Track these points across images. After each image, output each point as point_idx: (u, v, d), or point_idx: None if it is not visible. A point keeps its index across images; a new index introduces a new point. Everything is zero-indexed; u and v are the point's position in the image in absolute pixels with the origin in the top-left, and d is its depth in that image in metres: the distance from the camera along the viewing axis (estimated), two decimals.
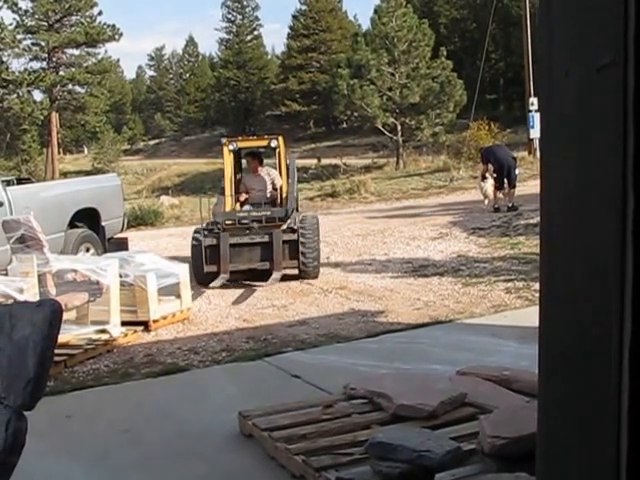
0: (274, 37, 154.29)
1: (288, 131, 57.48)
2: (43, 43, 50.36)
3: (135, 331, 8.16)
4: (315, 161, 40.37)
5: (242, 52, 70.88)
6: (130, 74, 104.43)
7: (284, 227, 10.67)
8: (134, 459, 4.74)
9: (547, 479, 1.98)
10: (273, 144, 11.39)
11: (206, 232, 10.68)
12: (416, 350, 6.87)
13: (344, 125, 58.11)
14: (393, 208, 20.46)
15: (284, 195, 11.38)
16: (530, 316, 7.63)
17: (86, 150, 70.74)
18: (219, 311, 9.32)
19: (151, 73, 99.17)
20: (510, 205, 16.50)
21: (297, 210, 12.39)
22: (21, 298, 6.52)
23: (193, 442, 4.92)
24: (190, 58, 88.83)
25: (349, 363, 6.58)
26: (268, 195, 11.63)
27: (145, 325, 8.37)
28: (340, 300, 9.45)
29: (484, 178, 17.29)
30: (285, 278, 10.60)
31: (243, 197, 11.62)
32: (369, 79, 34.64)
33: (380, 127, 35.92)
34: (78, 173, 43.34)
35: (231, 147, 11.52)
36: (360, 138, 50.12)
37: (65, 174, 48.14)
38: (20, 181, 12.38)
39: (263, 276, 10.42)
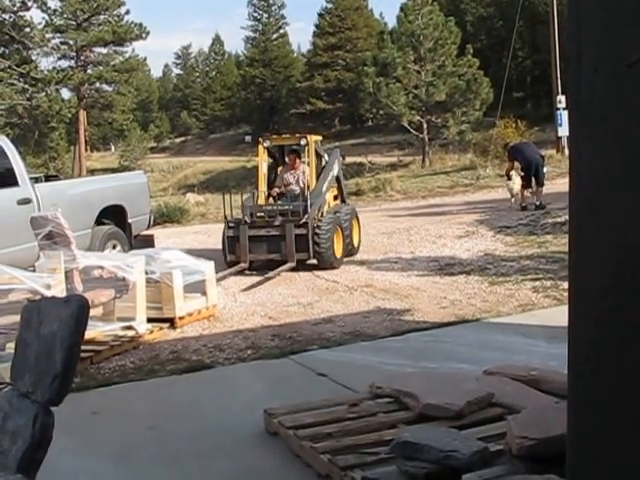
0: (300, 35, 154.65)
1: (313, 129, 57.44)
2: (71, 42, 50.64)
3: (161, 328, 8.17)
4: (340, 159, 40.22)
5: (268, 50, 71.02)
6: (157, 72, 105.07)
7: (303, 221, 11.23)
8: (159, 456, 4.74)
9: None
10: (302, 142, 12.42)
11: (231, 224, 11.61)
12: (442, 349, 6.83)
13: (369, 123, 58.06)
14: (419, 206, 20.40)
15: (310, 191, 11.88)
16: (558, 315, 7.55)
17: (113, 148, 71.20)
18: (245, 308, 9.32)
19: (178, 71, 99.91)
20: (538, 203, 16.38)
21: (344, 202, 13.48)
22: (48, 294, 6.53)
23: (218, 439, 4.92)
24: (216, 56, 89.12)
25: (375, 361, 6.54)
26: (299, 190, 12.19)
27: (171, 322, 8.38)
28: (366, 298, 9.42)
29: (509, 176, 17.19)
30: (310, 271, 11.21)
31: (275, 191, 12.30)
32: (395, 77, 34.55)
33: (406, 125, 35.83)
34: (105, 171, 43.56)
35: (265, 144, 12.51)
36: (385, 136, 50.00)
37: (92, 171, 48.40)
38: (48, 178, 12.45)
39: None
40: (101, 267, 7.64)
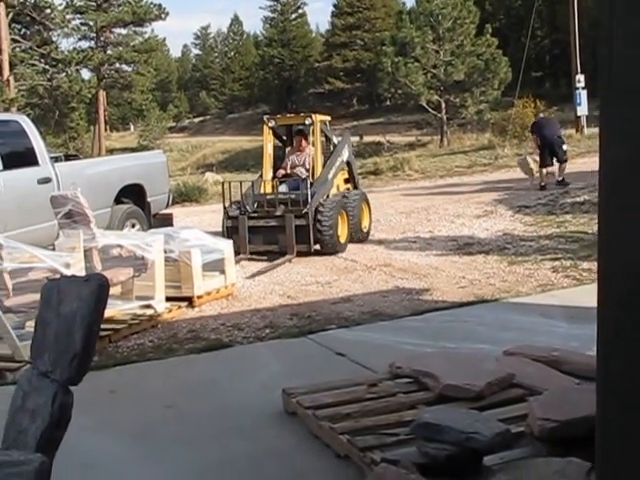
0: (318, 15, 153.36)
1: (331, 108, 57.29)
2: (91, 23, 50.73)
3: (179, 307, 8.17)
4: (357, 138, 40.11)
5: (286, 30, 70.86)
6: (176, 53, 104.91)
7: (304, 211, 10.89)
8: (176, 435, 4.73)
9: (607, 463, 1.91)
10: (307, 122, 11.93)
11: (229, 213, 11.34)
12: (462, 329, 6.78)
13: (387, 103, 57.80)
14: (437, 186, 20.33)
15: (315, 178, 11.59)
16: (579, 296, 7.55)
17: (132, 128, 71.28)
18: (263, 287, 9.31)
19: (196, 52, 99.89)
20: (560, 179, 16.29)
21: (357, 187, 13.03)
22: (68, 273, 6.53)
23: (236, 419, 4.91)
24: (235, 36, 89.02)
25: (394, 341, 6.51)
26: (307, 173, 11.82)
27: (189, 301, 8.38)
28: (384, 277, 9.38)
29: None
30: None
31: (280, 173, 11.93)
32: (413, 56, 34.33)
33: (424, 105, 35.63)
34: (124, 150, 43.51)
35: (270, 124, 12.15)
36: (404, 116, 49.77)
37: (111, 151, 48.55)
38: (68, 157, 12.48)
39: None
40: (120, 246, 7.63)
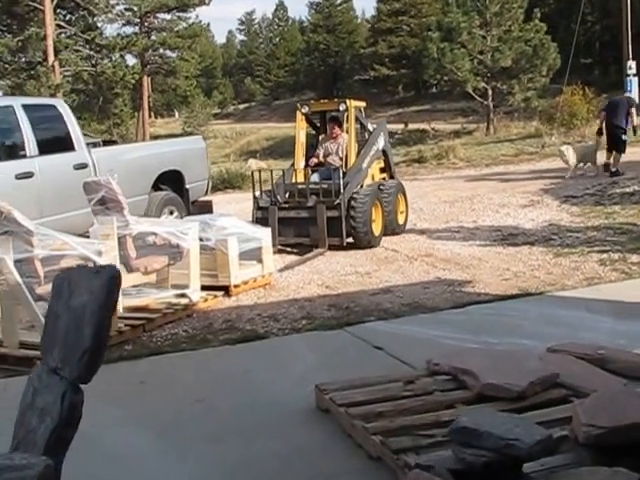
0: (364, 1, 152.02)
1: (376, 95, 57.10)
2: (135, 8, 50.82)
3: (215, 296, 8.05)
4: (402, 126, 39.79)
5: (332, 16, 70.61)
6: (221, 39, 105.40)
7: (336, 202, 10.43)
8: (204, 431, 4.58)
9: None
10: (341, 108, 11.49)
11: (259, 203, 10.99)
12: (504, 323, 6.55)
13: (434, 89, 57.35)
14: (482, 174, 20.04)
15: (348, 167, 11.18)
16: (627, 290, 7.30)
17: (177, 114, 71.63)
18: (302, 276, 9.16)
19: (241, 38, 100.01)
20: (614, 170, 16.01)
21: (393, 177, 12.51)
22: (100, 261, 6.44)
23: (267, 415, 4.74)
24: (280, 22, 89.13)
25: (434, 335, 6.31)
26: (340, 162, 11.42)
27: (226, 290, 8.25)
28: (426, 268, 9.17)
29: (600, 132, 16.89)
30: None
31: (313, 161, 11.52)
32: (460, 42, 33.85)
33: (470, 91, 35.17)
34: (168, 136, 43.54)
35: (303, 110, 11.74)
36: (450, 103, 49.27)
37: (156, 137, 48.65)
38: (106, 143, 12.42)
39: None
40: (154, 234, 7.50)
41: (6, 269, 6.22)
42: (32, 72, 40.79)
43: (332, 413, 4.49)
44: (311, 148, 11.95)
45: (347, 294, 8.14)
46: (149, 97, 56.63)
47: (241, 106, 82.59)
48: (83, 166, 9.56)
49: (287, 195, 11.15)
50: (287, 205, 10.90)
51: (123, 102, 49.79)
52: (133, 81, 46.70)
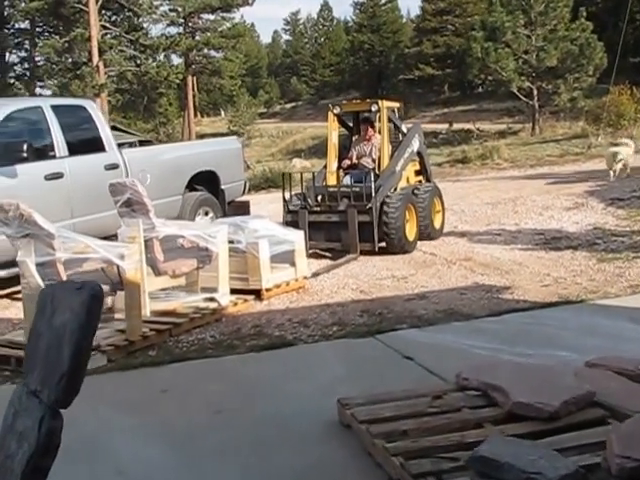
0: (409, 0, 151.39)
1: (421, 95, 56.76)
2: (179, 9, 50.99)
3: (246, 300, 7.87)
4: (447, 126, 39.42)
5: (376, 16, 70.42)
6: (266, 39, 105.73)
7: (368, 206, 10.07)
8: (221, 444, 4.38)
9: None
10: (373, 108, 11.16)
11: (289, 207, 10.66)
12: (542, 333, 6.25)
13: (479, 89, 56.83)
14: (526, 175, 19.73)
15: (381, 170, 10.84)
16: None
17: (223, 113, 71.87)
18: (336, 280, 8.95)
19: (287, 37, 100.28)
20: None
21: (429, 181, 12.13)
22: (122, 264, 6.28)
23: (287, 428, 4.52)
24: (325, 22, 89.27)
25: (467, 345, 6.04)
26: (373, 164, 11.08)
27: (257, 294, 8.07)
28: (464, 273, 8.90)
29: None
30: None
31: (346, 163, 11.17)
32: (504, 42, 33.50)
33: (515, 91, 34.74)
34: (215, 136, 43.73)
35: (335, 111, 11.40)
36: (495, 103, 48.75)
37: (202, 137, 48.83)
38: (142, 143, 12.33)
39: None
40: (182, 236, 7.33)
41: (28, 272, 6.10)
42: (77, 72, 41.16)
43: (354, 429, 4.25)
44: (344, 150, 11.62)
45: (381, 299, 7.91)
46: (194, 96, 56.85)
47: (288, 105, 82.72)
48: (114, 167, 9.46)
49: (318, 198, 10.84)
50: (318, 209, 10.57)
51: (168, 101, 50.15)
52: (177, 81, 46.99)
